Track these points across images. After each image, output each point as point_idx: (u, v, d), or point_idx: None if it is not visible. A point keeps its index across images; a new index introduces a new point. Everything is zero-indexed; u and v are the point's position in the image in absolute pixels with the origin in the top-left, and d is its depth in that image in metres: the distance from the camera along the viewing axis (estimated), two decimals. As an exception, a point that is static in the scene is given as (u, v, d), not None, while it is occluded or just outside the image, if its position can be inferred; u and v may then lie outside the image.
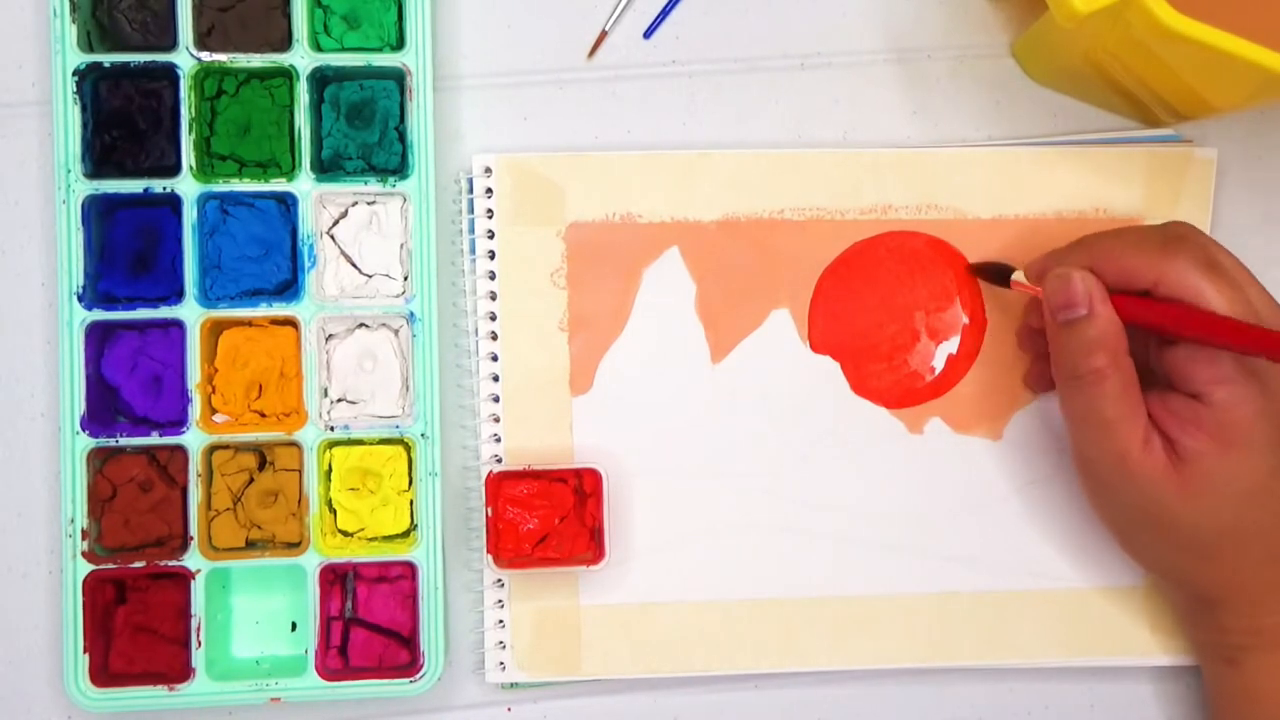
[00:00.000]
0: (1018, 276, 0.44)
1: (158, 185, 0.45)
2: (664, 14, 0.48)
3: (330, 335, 0.46)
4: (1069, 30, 0.39)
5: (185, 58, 0.45)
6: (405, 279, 0.46)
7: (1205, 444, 0.40)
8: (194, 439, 0.45)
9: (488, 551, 0.45)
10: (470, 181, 0.47)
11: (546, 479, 0.46)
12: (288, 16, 0.45)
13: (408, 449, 0.46)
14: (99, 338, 0.45)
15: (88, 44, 0.45)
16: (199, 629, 0.45)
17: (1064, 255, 0.42)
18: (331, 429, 0.46)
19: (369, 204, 0.46)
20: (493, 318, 0.47)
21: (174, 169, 0.45)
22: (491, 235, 0.47)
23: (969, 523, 0.48)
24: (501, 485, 0.45)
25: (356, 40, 0.46)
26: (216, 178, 0.45)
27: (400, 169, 0.46)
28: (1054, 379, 0.42)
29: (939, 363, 0.48)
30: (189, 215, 0.45)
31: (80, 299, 0.45)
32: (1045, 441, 0.48)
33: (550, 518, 0.46)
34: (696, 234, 0.47)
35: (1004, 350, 0.48)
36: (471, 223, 0.47)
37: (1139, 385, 0.40)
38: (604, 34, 0.48)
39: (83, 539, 0.45)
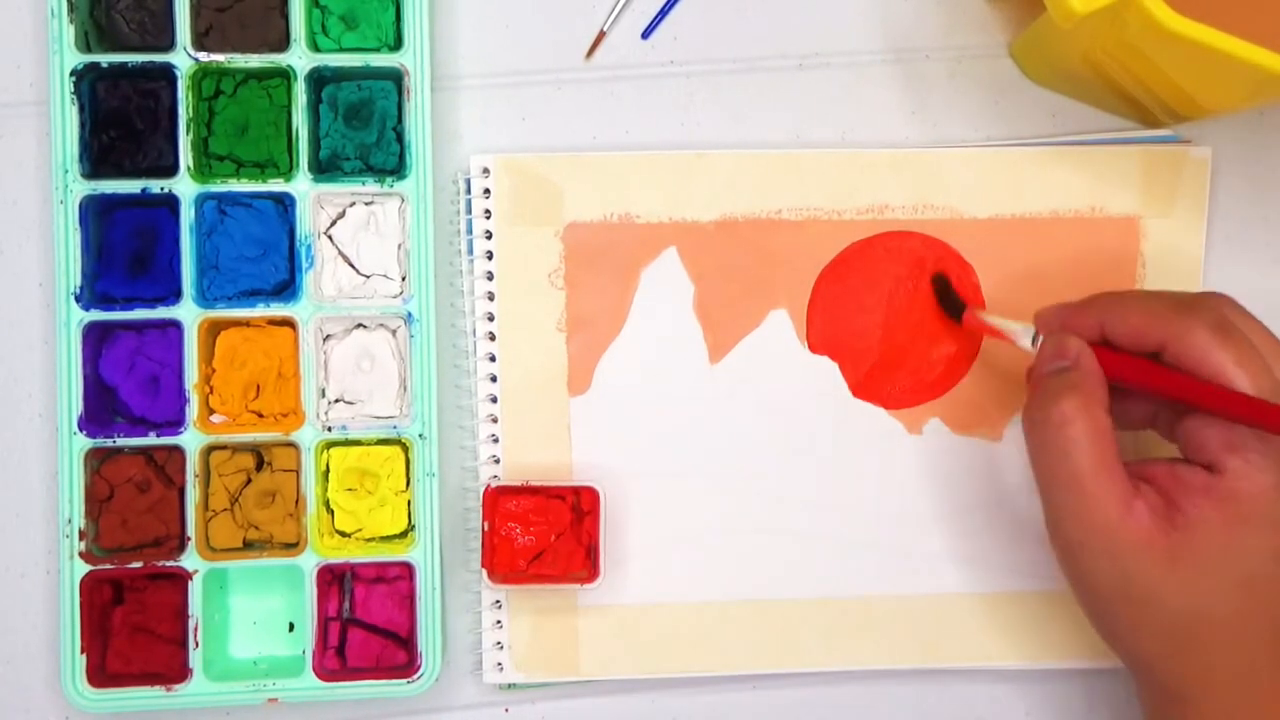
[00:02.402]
0: (970, 314, 0.45)
1: (155, 185, 0.45)
2: (662, 14, 0.48)
3: (328, 336, 0.46)
4: (1067, 30, 0.39)
5: (183, 58, 0.45)
6: (403, 279, 0.46)
7: (1211, 514, 0.36)
8: (191, 439, 0.45)
9: (483, 566, 0.45)
10: (468, 182, 0.47)
11: (544, 495, 0.46)
12: (285, 17, 0.45)
13: (405, 449, 0.46)
14: (96, 338, 0.45)
15: (85, 44, 0.45)
16: (196, 629, 0.45)
17: (1075, 308, 0.40)
18: (329, 429, 0.46)
19: (367, 204, 0.46)
20: (490, 318, 0.47)
21: (171, 169, 0.45)
22: (489, 235, 0.47)
23: (969, 523, 0.48)
24: (499, 500, 0.45)
25: (354, 40, 0.46)
26: (214, 178, 0.45)
27: (398, 169, 0.46)
28: (1025, 434, 0.40)
29: (938, 363, 0.48)
30: (186, 215, 0.45)
31: (78, 299, 0.45)
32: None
33: (546, 534, 0.46)
34: (694, 234, 0.47)
35: (1004, 350, 0.48)
36: (469, 223, 0.47)
37: (1117, 446, 0.37)
38: (602, 34, 0.48)
39: (80, 539, 0.45)
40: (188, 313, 0.45)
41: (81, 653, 0.44)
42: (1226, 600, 0.37)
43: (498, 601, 0.46)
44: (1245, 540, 0.36)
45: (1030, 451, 0.39)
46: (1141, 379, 0.38)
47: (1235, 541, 0.36)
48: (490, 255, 0.47)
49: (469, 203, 0.47)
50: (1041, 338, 0.41)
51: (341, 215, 0.46)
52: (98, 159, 0.45)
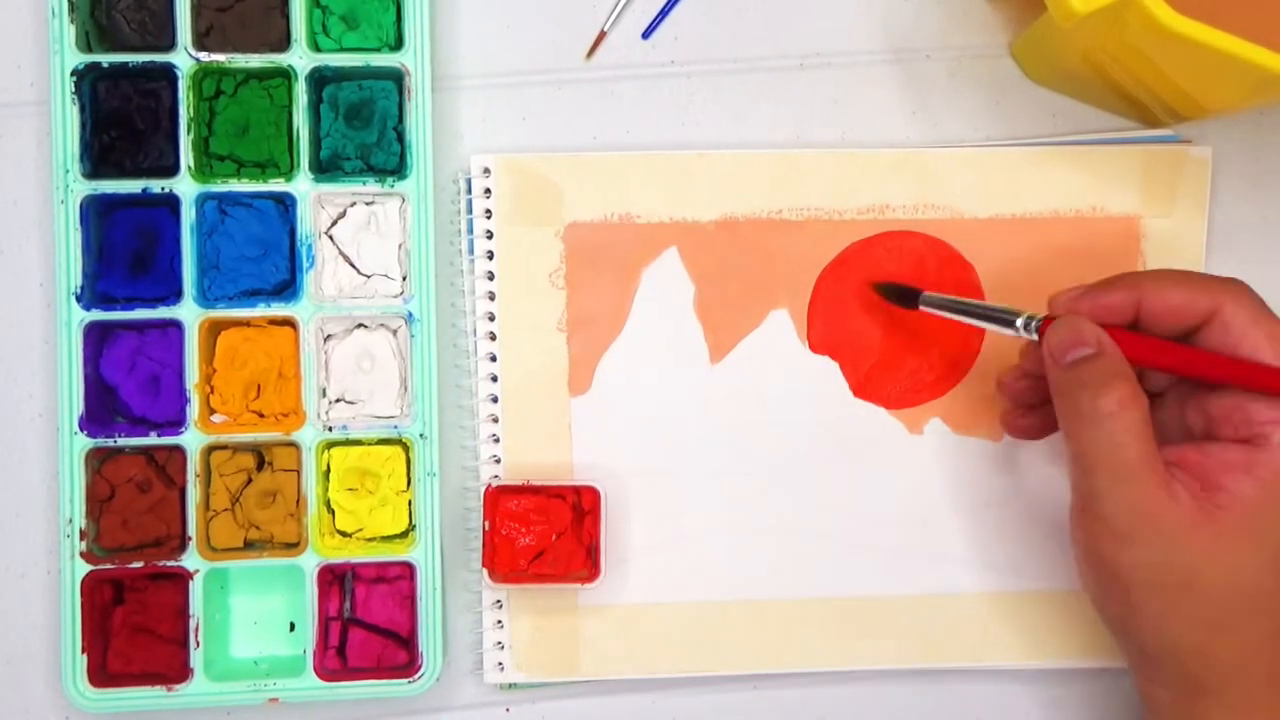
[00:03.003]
0: (926, 301, 0.44)
1: (156, 185, 0.45)
2: (662, 14, 0.48)
3: (328, 335, 0.46)
4: (1067, 30, 0.39)
5: (184, 58, 0.45)
6: (404, 279, 0.46)
7: (1253, 490, 0.37)
8: (192, 439, 0.45)
9: (483, 566, 0.45)
10: (469, 182, 0.47)
11: (545, 495, 0.46)
12: (286, 17, 0.45)
13: (406, 449, 0.46)
14: (97, 338, 0.45)
15: (86, 44, 0.45)
16: (197, 629, 0.45)
17: (1102, 288, 0.40)
18: (330, 429, 0.46)
19: (367, 204, 0.46)
20: (491, 318, 0.47)
21: (172, 169, 0.45)
22: (490, 235, 0.47)
23: (969, 524, 0.48)
24: (500, 500, 0.45)
25: (355, 40, 0.46)
26: (215, 178, 0.45)
27: (399, 169, 0.46)
28: (1060, 425, 0.39)
29: (938, 363, 0.48)
30: (187, 215, 0.45)
31: (79, 299, 0.45)
32: (1045, 442, 0.48)
33: (547, 534, 0.46)
34: (695, 234, 0.47)
35: (1004, 350, 0.48)
36: (470, 223, 0.47)
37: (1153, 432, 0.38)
38: (603, 34, 0.48)
39: (81, 539, 0.45)
40: (188, 313, 0.45)
41: (82, 653, 0.44)
42: (1269, 573, 0.37)
43: (498, 601, 0.47)
44: None
45: (1072, 443, 0.39)
46: (1187, 363, 0.38)
47: (1278, 514, 0.37)
48: (491, 255, 0.47)
49: (469, 203, 0.47)
50: (1032, 321, 0.40)
51: (342, 215, 0.46)
52: (98, 159, 0.46)
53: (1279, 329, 0.38)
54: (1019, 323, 0.41)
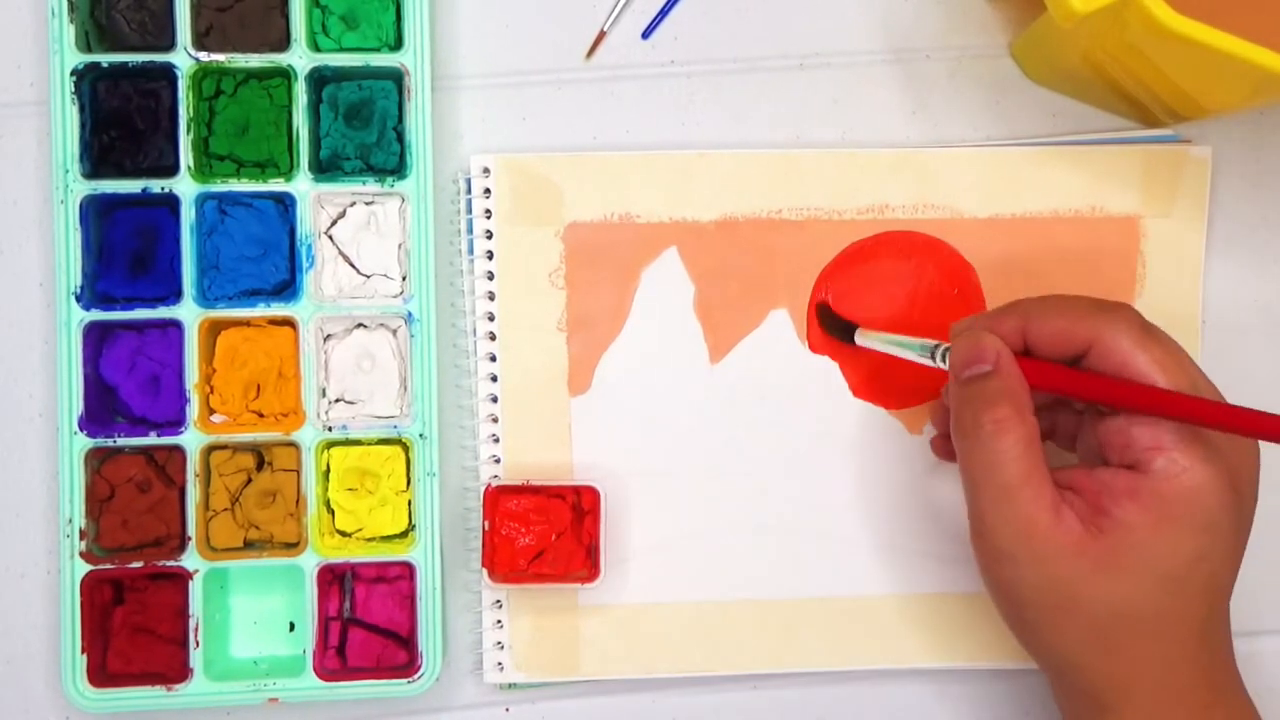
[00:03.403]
0: (861, 336, 0.44)
1: (156, 185, 0.45)
2: (662, 14, 0.48)
3: (328, 335, 0.46)
4: (1067, 30, 0.39)
5: (183, 58, 0.45)
6: (403, 279, 0.46)
7: (1138, 516, 0.36)
8: (192, 439, 0.45)
9: (483, 566, 0.45)
10: (468, 181, 0.47)
11: (545, 495, 0.46)
12: (286, 16, 0.45)
13: (406, 449, 0.46)
14: (97, 338, 0.45)
15: (86, 44, 0.45)
16: (197, 629, 0.45)
17: (993, 316, 0.40)
18: (329, 429, 0.46)
19: (367, 204, 0.46)
20: (491, 318, 0.47)
21: (172, 169, 0.45)
22: (490, 235, 0.47)
23: (969, 523, 0.48)
24: (500, 499, 0.45)
25: (355, 40, 0.46)
26: (214, 178, 0.45)
27: (398, 169, 0.46)
28: (953, 439, 0.39)
29: (938, 363, 0.48)
30: (187, 215, 0.45)
31: (78, 299, 0.45)
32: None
33: (547, 534, 0.46)
34: (695, 234, 0.47)
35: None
36: (470, 223, 0.47)
37: (1044, 453, 0.38)
38: (602, 34, 0.48)
39: (81, 539, 0.45)
40: (188, 312, 0.45)
41: (82, 653, 0.44)
42: (1151, 600, 0.37)
43: (498, 601, 0.47)
44: (1171, 540, 0.36)
45: (960, 457, 0.39)
46: (1069, 384, 0.38)
47: (1161, 542, 0.36)
48: (490, 255, 0.47)
49: (469, 202, 0.47)
50: (948, 345, 0.40)
51: (342, 215, 0.46)
52: (98, 159, 0.46)
53: (1165, 355, 0.37)
54: (937, 354, 0.40)
